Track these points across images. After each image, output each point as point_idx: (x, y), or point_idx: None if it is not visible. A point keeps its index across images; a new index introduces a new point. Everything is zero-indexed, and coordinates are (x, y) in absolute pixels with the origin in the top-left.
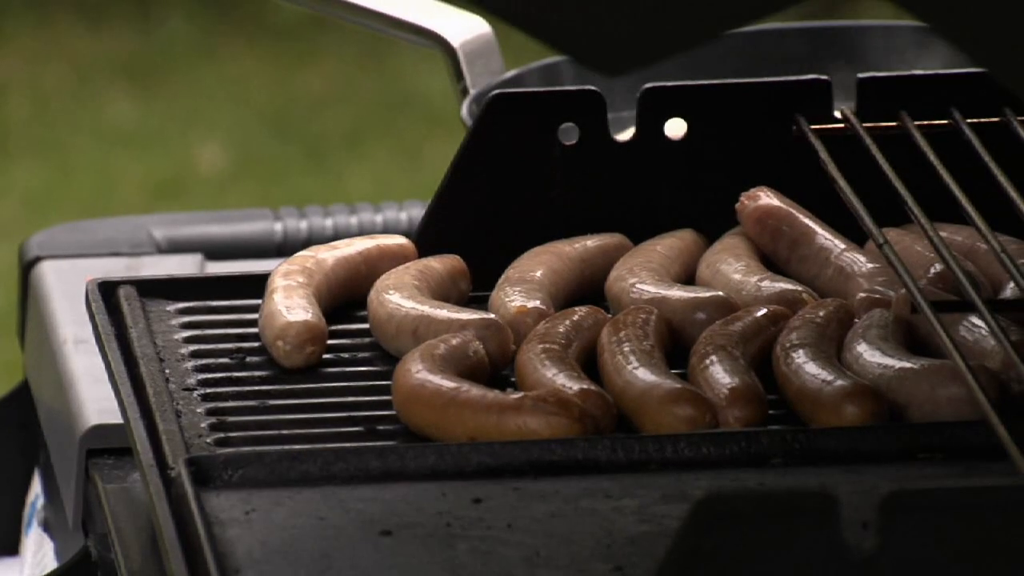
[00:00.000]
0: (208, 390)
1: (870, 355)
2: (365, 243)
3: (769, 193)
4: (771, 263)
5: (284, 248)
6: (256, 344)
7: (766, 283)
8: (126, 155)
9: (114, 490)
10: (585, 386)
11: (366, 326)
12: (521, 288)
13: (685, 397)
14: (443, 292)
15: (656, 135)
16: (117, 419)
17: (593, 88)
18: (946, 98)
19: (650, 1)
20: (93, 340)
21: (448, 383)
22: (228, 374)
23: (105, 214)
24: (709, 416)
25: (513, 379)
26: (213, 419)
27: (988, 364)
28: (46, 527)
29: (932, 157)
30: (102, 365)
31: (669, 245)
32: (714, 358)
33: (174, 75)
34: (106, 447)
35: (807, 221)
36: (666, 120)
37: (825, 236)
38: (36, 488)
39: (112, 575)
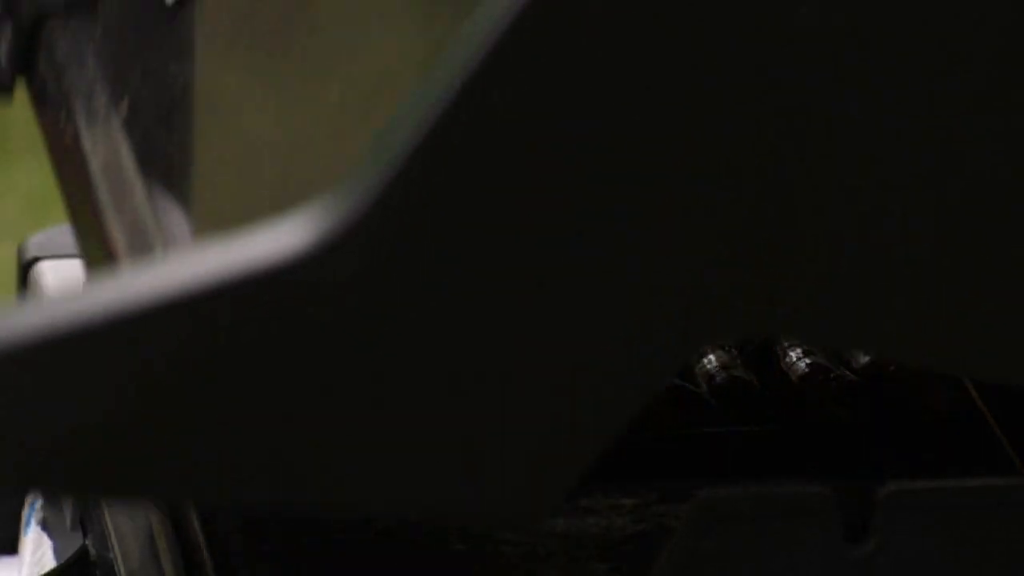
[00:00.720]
0: None
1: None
2: None
3: None
4: None
5: None
6: None
7: None
8: None
9: None
10: None
11: None
12: None
13: (683, 396)
14: None
15: None
16: None
17: None
18: None
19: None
20: None
21: None
22: None
23: None
24: (707, 415)
25: None
26: None
27: None
28: (45, 526)
29: None
30: None
31: None
32: (712, 357)
33: None
34: None
35: None
36: None
37: None
38: None
39: (111, 574)
